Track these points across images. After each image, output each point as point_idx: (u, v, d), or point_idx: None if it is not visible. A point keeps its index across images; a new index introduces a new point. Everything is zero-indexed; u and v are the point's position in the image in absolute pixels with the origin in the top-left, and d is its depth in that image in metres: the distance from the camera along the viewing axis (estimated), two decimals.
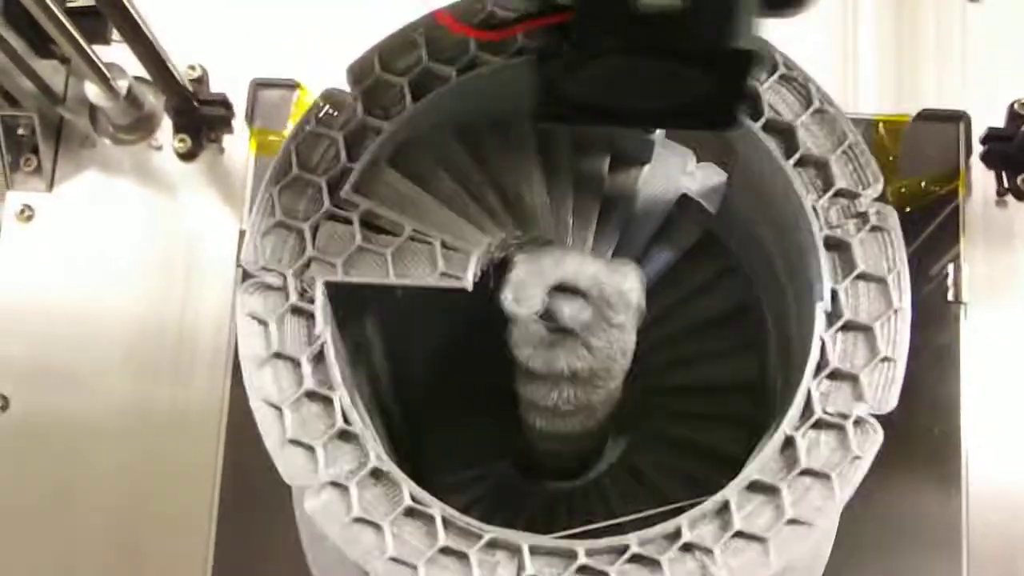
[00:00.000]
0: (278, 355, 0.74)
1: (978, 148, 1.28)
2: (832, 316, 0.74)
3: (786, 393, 0.77)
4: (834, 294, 0.75)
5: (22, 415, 1.27)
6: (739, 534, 0.71)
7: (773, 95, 0.77)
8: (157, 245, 1.30)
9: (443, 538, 0.71)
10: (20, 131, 1.31)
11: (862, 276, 0.75)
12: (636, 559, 0.71)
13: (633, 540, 0.71)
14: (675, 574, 0.71)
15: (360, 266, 0.75)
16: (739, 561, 0.71)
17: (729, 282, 0.94)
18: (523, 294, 0.75)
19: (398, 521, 0.72)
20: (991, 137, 1.27)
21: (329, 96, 0.78)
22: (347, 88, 0.79)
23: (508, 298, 0.75)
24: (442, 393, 1.09)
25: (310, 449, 0.73)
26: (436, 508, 0.72)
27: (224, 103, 1.31)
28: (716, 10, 0.56)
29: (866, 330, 0.74)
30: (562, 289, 0.78)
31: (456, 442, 1.11)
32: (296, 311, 0.75)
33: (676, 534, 0.72)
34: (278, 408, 0.73)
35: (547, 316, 0.79)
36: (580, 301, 0.78)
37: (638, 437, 1.01)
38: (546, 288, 0.76)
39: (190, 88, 1.29)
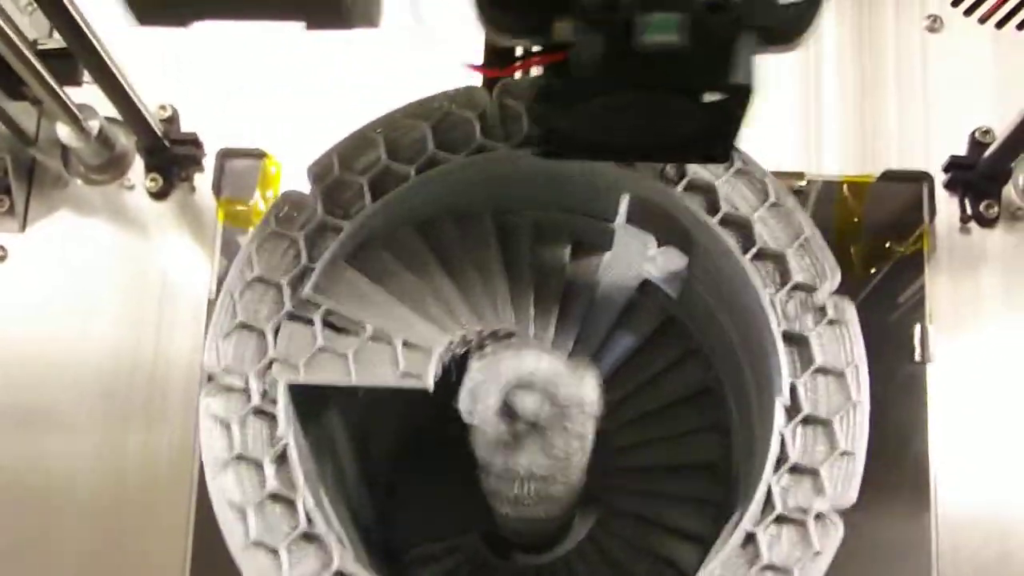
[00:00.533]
0: (240, 457, 0.74)
1: (941, 176, 1.29)
2: (791, 410, 0.75)
3: (748, 481, 0.77)
4: (793, 388, 0.75)
5: None
6: None
7: (730, 189, 0.78)
8: (130, 284, 1.30)
9: None
10: None
11: (821, 370, 0.75)
12: None
13: None
14: None
15: (322, 367, 0.76)
16: None
17: (691, 365, 0.94)
18: (479, 400, 0.76)
19: None
20: (954, 165, 1.29)
21: (289, 197, 0.78)
22: (308, 183, 0.79)
23: (464, 406, 0.75)
24: (410, 467, 1.09)
25: (273, 552, 0.73)
26: None
27: (195, 142, 1.31)
28: (715, 48, 0.57)
29: (825, 424, 0.74)
30: (523, 385, 0.79)
31: (426, 514, 1.11)
32: (258, 413, 0.75)
33: None
34: (242, 510, 0.73)
35: (506, 412, 0.79)
36: (539, 396, 0.79)
37: (605, 514, 1.01)
38: (503, 391, 0.77)
39: (161, 128, 1.29)
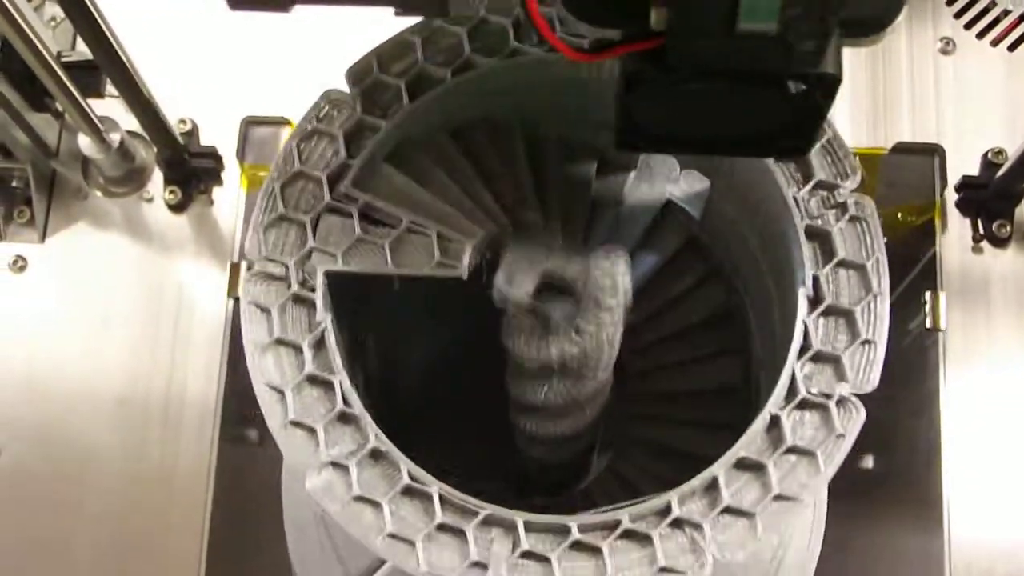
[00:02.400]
0: (280, 341, 0.77)
1: (953, 196, 1.32)
2: (814, 302, 0.77)
3: (770, 388, 0.79)
4: (815, 281, 0.77)
5: (12, 465, 1.28)
6: (727, 510, 0.74)
7: None
8: (148, 296, 1.33)
9: (440, 515, 0.73)
10: (14, 183, 1.36)
11: (842, 263, 0.78)
12: (628, 534, 0.74)
13: (624, 516, 0.74)
14: (665, 549, 0.73)
15: (359, 256, 0.78)
16: (727, 536, 0.73)
17: (712, 287, 0.96)
18: (515, 278, 0.78)
19: (397, 499, 0.74)
20: (966, 185, 1.31)
21: (329, 96, 0.81)
22: (346, 90, 0.82)
23: (500, 281, 0.78)
24: (433, 411, 1.11)
25: (311, 431, 0.75)
26: (434, 486, 0.74)
27: (214, 155, 1.35)
28: (810, 34, 0.57)
29: (847, 314, 0.77)
30: (553, 289, 0.81)
31: (445, 456, 1.12)
32: (297, 299, 0.77)
33: (666, 510, 0.74)
34: (280, 391, 0.75)
35: (538, 311, 0.82)
36: (570, 301, 0.81)
37: (624, 445, 1.03)
38: (537, 275, 0.79)
39: (181, 141, 1.32)
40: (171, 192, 1.34)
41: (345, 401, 0.76)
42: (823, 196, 0.79)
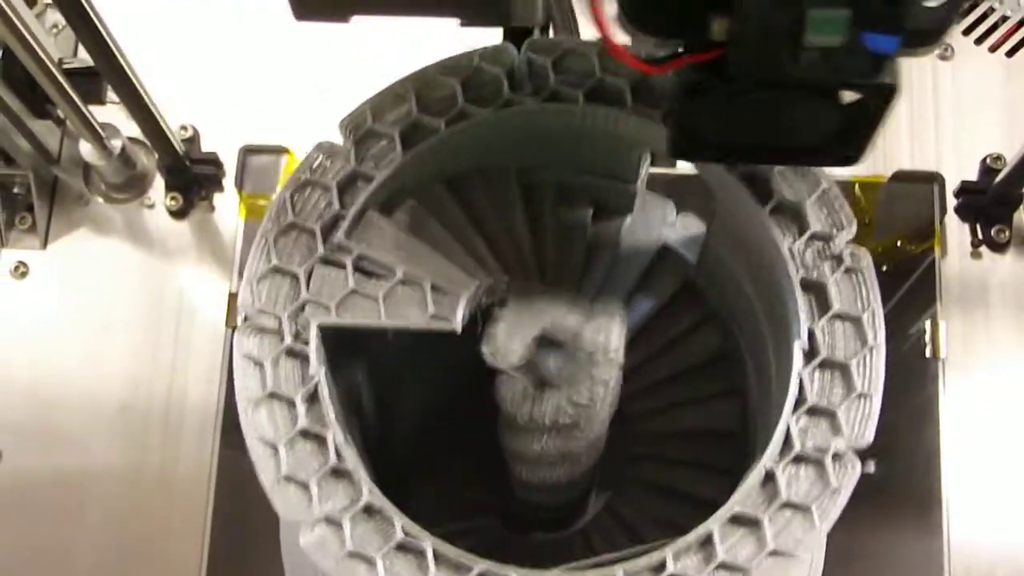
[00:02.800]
0: (273, 395, 0.76)
1: (952, 201, 1.32)
2: (809, 355, 0.77)
3: (766, 434, 0.79)
4: (811, 334, 0.77)
5: (13, 471, 1.28)
6: (722, 566, 0.73)
7: None
8: (149, 302, 1.33)
9: (434, 571, 0.73)
10: (15, 189, 1.35)
11: (837, 316, 0.77)
12: None
13: (619, 572, 0.73)
14: None
15: (353, 309, 0.78)
16: None
17: (709, 330, 0.96)
18: (505, 347, 0.78)
19: (390, 555, 0.74)
20: (965, 190, 1.31)
21: (323, 147, 0.81)
22: (339, 142, 0.82)
23: (487, 352, 0.78)
24: (429, 448, 1.10)
25: (304, 486, 0.75)
26: (427, 542, 0.74)
27: (215, 162, 1.35)
28: (877, 46, 0.58)
29: (842, 367, 0.76)
30: (547, 342, 0.81)
31: (443, 496, 1.12)
32: (291, 353, 0.77)
33: (661, 566, 0.74)
34: (273, 447, 0.75)
35: (531, 369, 0.81)
36: (563, 355, 0.81)
37: (622, 485, 1.03)
38: (528, 341, 0.79)
39: (182, 148, 1.32)
40: (172, 198, 1.34)
41: (338, 455, 0.75)
42: (818, 247, 0.79)
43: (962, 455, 1.24)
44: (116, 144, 1.27)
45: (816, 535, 0.74)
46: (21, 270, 1.34)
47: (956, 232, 1.32)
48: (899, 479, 1.24)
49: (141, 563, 1.25)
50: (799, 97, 0.63)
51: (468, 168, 0.85)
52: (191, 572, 1.24)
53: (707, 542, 0.74)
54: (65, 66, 1.25)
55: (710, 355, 0.97)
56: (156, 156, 1.33)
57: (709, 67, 0.62)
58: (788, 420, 0.76)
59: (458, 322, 0.78)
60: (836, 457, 0.75)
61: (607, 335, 0.78)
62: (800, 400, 0.76)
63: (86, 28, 1.07)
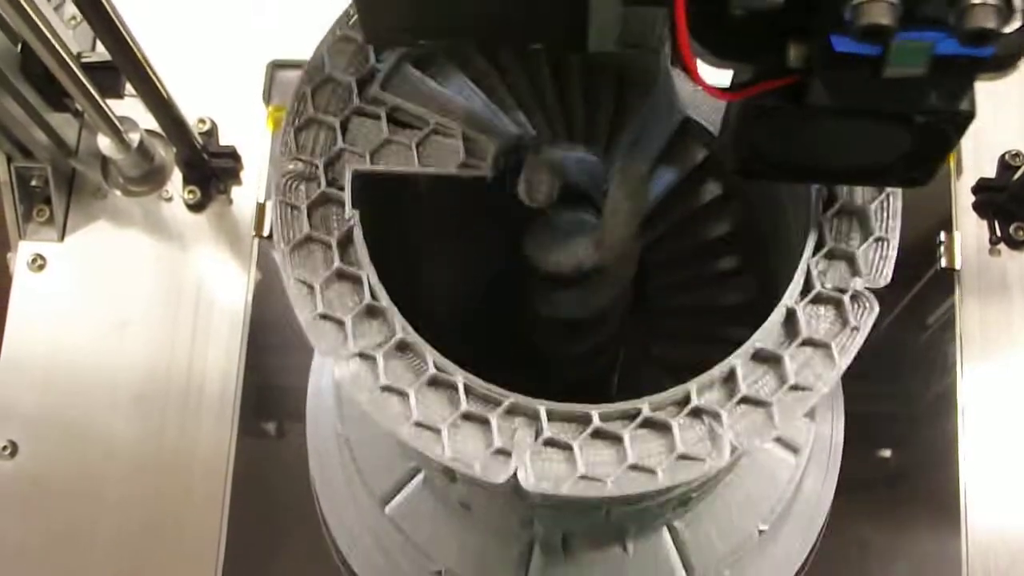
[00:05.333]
0: (310, 238, 0.79)
1: (970, 198, 1.34)
2: (828, 201, 0.79)
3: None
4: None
5: (31, 461, 1.30)
6: (745, 399, 0.75)
7: None
8: (166, 294, 1.34)
9: (465, 404, 0.76)
10: (33, 182, 1.37)
11: None
12: (648, 423, 0.76)
13: (645, 405, 0.76)
14: (684, 437, 0.75)
15: (387, 157, 0.80)
16: (745, 424, 0.75)
17: (731, 204, 0.98)
18: (536, 182, 0.81)
19: (423, 389, 0.76)
20: (983, 187, 1.33)
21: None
22: None
23: (522, 184, 0.80)
24: (458, 331, 1.12)
25: (340, 323, 0.77)
26: (459, 376, 0.76)
27: (233, 155, 1.37)
28: (956, 76, 0.60)
29: (860, 213, 0.78)
30: (573, 195, 0.84)
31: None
32: (327, 198, 0.80)
33: (685, 400, 0.76)
34: (310, 286, 0.78)
35: (557, 216, 0.84)
36: (590, 209, 0.84)
37: (641, 364, 1.05)
38: (558, 179, 0.81)
39: (200, 141, 1.34)
40: (190, 192, 1.36)
41: (372, 295, 0.78)
42: None
43: (980, 448, 1.26)
44: (134, 138, 1.30)
45: (835, 371, 0.76)
46: (39, 262, 1.36)
47: (974, 229, 1.34)
48: (917, 469, 1.26)
49: (158, 552, 1.28)
50: (873, 121, 0.64)
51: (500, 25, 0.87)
52: (209, 556, 1.27)
53: (730, 377, 0.76)
54: (83, 60, 1.27)
55: (731, 229, 0.99)
56: (174, 149, 1.35)
57: (783, 93, 0.63)
58: (808, 262, 0.78)
59: (489, 168, 0.80)
60: (855, 297, 0.77)
61: (634, 181, 0.80)
62: (819, 244, 0.78)
63: (102, 22, 1.09)
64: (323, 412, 1.17)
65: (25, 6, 1.06)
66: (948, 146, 0.66)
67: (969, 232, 1.33)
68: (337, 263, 0.78)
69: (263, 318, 1.33)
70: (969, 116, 0.63)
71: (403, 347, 0.77)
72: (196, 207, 1.37)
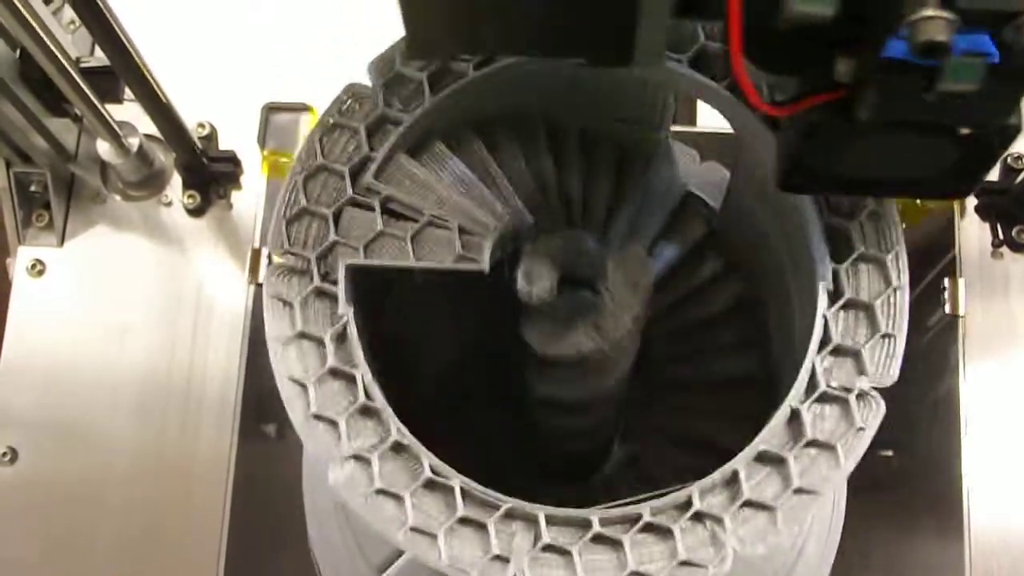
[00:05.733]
0: (302, 335, 0.77)
1: (973, 201, 1.32)
2: (834, 295, 0.77)
3: (790, 379, 0.80)
4: (836, 275, 0.78)
5: (31, 467, 1.29)
6: (748, 503, 0.74)
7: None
8: (166, 299, 1.33)
9: (462, 508, 0.74)
10: (32, 187, 1.35)
11: (862, 257, 0.78)
12: (649, 528, 0.74)
13: (646, 510, 0.74)
14: (686, 542, 0.73)
15: (381, 250, 0.78)
16: (748, 529, 0.73)
17: (732, 278, 0.97)
18: (535, 280, 0.79)
19: (418, 492, 0.74)
20: (986, 190, 1.31)
21: (351, 90, 0.81)
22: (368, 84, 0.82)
23: (520, 281, 0.78)
24: (452, 407, 1.11)
25: (333, 424, 0.75)
26: (455, 480, 0.75)
27: (232, 160, 1.35)
28: (1007, 92, 0.58)
29: (867, 308, 0.77)
30: (574, 280, 0.82)
31: (467, 455, 1.13)
32: (319, 293, 0.78)
33: (687, 504, 0.74)
34: (303, 385, 0.76)
35: (558, 305, 0.82)
36: (589, 295, 0.82)
37: (643, 435, 1.03)
38: (558, 268, 0.80)
39: (199, 145, 1.32)
40: (190, 196, 1.35)
41: (367, 394, 0.76)
42: None
43: (983, 451, 1.25)
44: (133, 142, 1.28)
45: (841, 473, 0.74)
46: (38, 268, 1.34)
47: (977, 231, 1.32)
48: (919, 470, 1.25)
49: (159, 559, 1.26)
50: (919, 134, 0.63)
51: (495, 112, 0.85)
52: (210, 561, 1.25)
53: (733, 480, 0.75)
54: (82, 65, 1.25)
55: (732, 303, 0.97)
56: (173, 154, 1.33)
57: (830, 107, 0.62)
58: (813, 359, 0.76)
59: (485, 262, 0.78)
60: (861, 396, 0.75)
61: (635, 266, 0.79)
62: (825, 340, 0.77)
63: (100, 26, 1.08)
64: (319, 476, 1.15)
65: (23, 11, 1.04)
66: (993, 159, 0.65)
67: (971, 235, 1.32)
68: (331, 361, 0.76)
69: (263, 323, 1.32)
70: (1017, 130, 0.62)
71: (398, 448, 0.76)
72: (196, 212, 1.36)
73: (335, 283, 0.78)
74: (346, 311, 0.77)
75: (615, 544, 0.74)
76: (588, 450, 1.00)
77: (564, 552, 0.73)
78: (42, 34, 1.07)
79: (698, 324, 0.98)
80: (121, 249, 1.35)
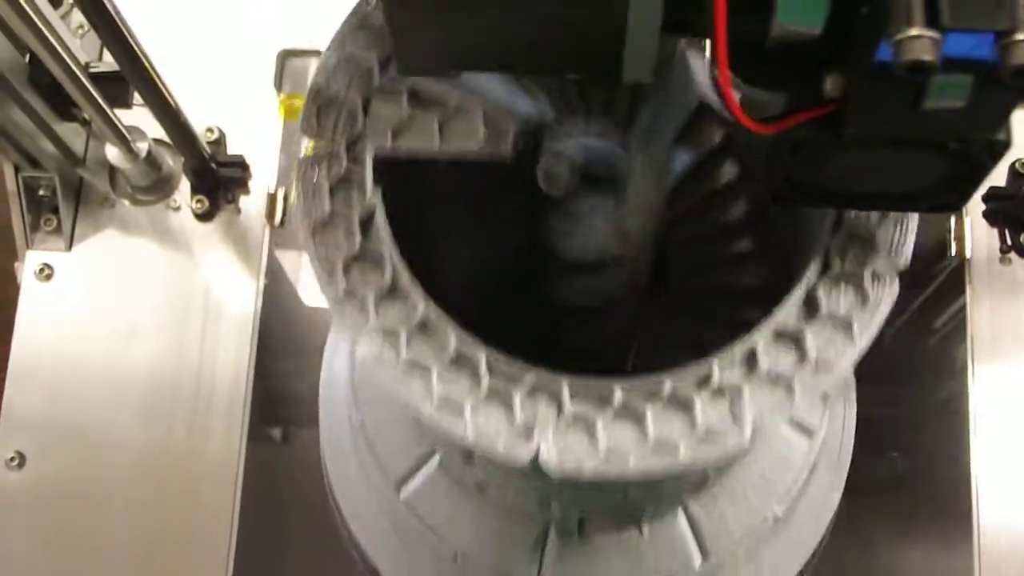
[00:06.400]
0: (332, 217, 0.79)
1: (980, 206, 1.34)
2: None
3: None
4: None
5: (39, 471, 1.30)
6: (766, 376, 0.76)
7: None
8: (174, 304, 1.35)
9: (487, 381, 0.76)
10: (41, 192, 1.37)
11: None
12: (670, 399, 0.76)
13: (667, 381, 0.76)
14: (706, 413, 0.75)
15: (408, 137, 0.81)
16: (767, 401, 0.75)
17: (749, 185, 0.98)
18: (556, 170, 0.81)
19: (446, 366, 0.76)
20: (993, 196, 1.33)
21: None
22: None
23: (541, 174, 0.81)
24: (475, 317, 1.13)
25: (362, 303, 0.77)
26: (481, 353, 0.77)
27: (241, 164, 1.37)
28: (997, 107, 0.59)
29: None
30: (593, 178, 0.84)
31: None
32: (348, 179, 0.80)
33: (707, 376, 0.76)
34: (333, 264, 0.78)
35: (577, 202, 0.84)
36: (610, 192, 0.84)
37: (660, 342, 1.05)
38: (578, 166, 0.82)
39: (208, 150, 1.34)
40: (198, 201, 1.36)
41: (395, 274, 0.78)
42: None
43: (992, 453, 1.26)
44: (142, 147, 1.30)
45: (856, 350, 0.76)
46: (46, 272, 1.35)
47: (984, 237, 1.34)
48: (927, 476, 1.26)
49: (170, 556, 1.28)
50: (907, 149, 0.64)
51: None
52: (219, 564, 1.27)
53: (751, 354, 0.77)
54: (91, 70, 1.27)
55: (749, 210, 0.99)
56: (182, 159, 1.35)
57: (817, 122, 0.63)
58: (827, 242, 0.78)
59: (509, 149, 0.80)
60: (874, 275, 0.77)
61: (655, 166, 0.81)
62: (838, 223, 0.79)
63: (109, 31, 1.10)
64: (336, 401, 1.17)
65: (33, 16, 1.06)
66: (983, 173, 0.66)
67: (979, 240, 1.34)
68: (359, 242, 0.78)
69: (272, 327, 1.34)
70: (1006, 145, 0.63)
71: (425, 325, 0.77)
72: (204, 216, 1.37)
73: (364, 168, 0.80)
74: (374, 195, 0.79)
75: (637, 416, 0.75)
76: (608, 363, 1.02)
77: (588, 422, 0.75)
78: (51, 39, 1.09)
79: (715, 231, 0.99)
80: (129, 253, 1.37)
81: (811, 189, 0.70)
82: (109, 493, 1.29)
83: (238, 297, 1.34)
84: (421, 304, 0.78)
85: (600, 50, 0.63)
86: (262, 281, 1.34)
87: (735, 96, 0.63)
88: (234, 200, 1.38)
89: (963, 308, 1.31)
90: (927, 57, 0.54)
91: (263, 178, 1.38)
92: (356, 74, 0.82)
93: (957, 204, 0.71)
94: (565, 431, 0.75)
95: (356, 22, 0.83)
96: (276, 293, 1.35)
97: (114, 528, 1.28)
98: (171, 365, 1.32)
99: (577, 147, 0.82)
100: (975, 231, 1.34)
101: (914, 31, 0.53)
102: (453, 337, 0.77)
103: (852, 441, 1.15)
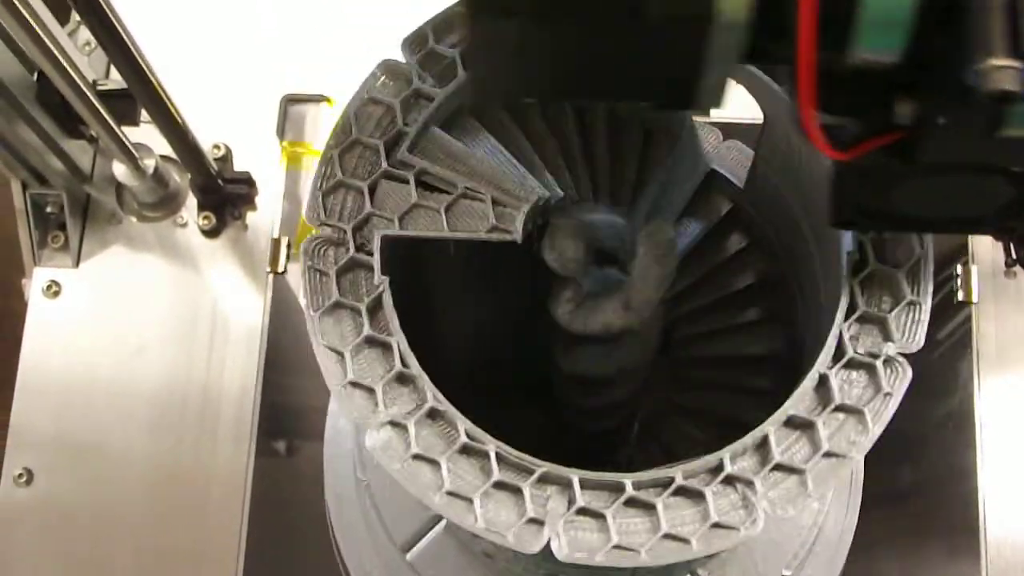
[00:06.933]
0: (339, 304, 0.78)
1: None
2: (859, 264, 0.79)
3: (816, 351, 0.81)
4: (861, 244, 0.79)
5: (47, 488, 1.30)
6: (778, 467, 0.75)
7: None
8: (181, 320, 1.34)
9: (497, 473, 0.75)
10: (48, 208, 1.37)
11: None
12: (681, 491, 0.75)
13: (678, 473, 0.75)
14: (718, 505, 0.75)
15: (416, 221, 0.80)
16: (779, 492, 0.75)
17: (755, 255, 0.98)
18: (562, 248, 0.80)
19: (454, 458, 0.75)
20: None
21: (385, 66, 0.83)
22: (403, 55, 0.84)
23: (548, 255, 0.80)
24: (479, 381, 1.12)
25: (370, 391, 0.77)
26: (491, 445, 0.76)
27: (248, 181, 1.36)
28: None
29: (892, 276, 0.78)
30: (600, 254, 0.83)
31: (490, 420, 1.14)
32: (356, 264, 0.79)
33: (719, 467, 0.76)
34: (339, 353, 0.77)
35: (585, 278, 0.84)
36: (616, 270, 0.83)
37: (666, 410, 1.04)
38: (584, 244, 0.81)
39: (215, 167, 1.34)
40: (205, 218, 1.35)
41: (403, 362, 0.77)
42: None
43: (999, 467, 1.25)
44: (149, 164, 1.29)
45: (868, 438, 0.76)
46: (54, 289, 1.35)
47: (989, 251, 1.33)
48: (934, 490, 1.25)
49: (179, 571, 1.28)
50: (976, 175, 0.64)
51: None
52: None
53: (763, 444, 0.76)
54: (99, 88, 1.27)
55: (756, 280, 0.99)
56: (189, 175, 1.34)
57: (886, 149, 0.62)
58: (840, 327, 0.77)
59: (519, 232, 0.79)
60: (888, 361, 0.77)
61: (661, 241, 0.80)
62: (851, 308, 0.78)
63: (117, 48, 1.09)
64: (341, 457, 1.17)
65: (40, 34, 1.05)
66: None
67: (984, 254, 1.33)
68: (367, 330, 0.78)
69: (279, 342, 1.33)
70: None
71: (434, 415, 0.77)
72: (211, 233, 1.37)
73: (371, 254, 0.79)
74: (382, 281, 0.78)
75: (648, 507, 0.75)
76: (612, 428, 1.01)
77: (598, 515, 0.74)
78: (59, 56, 1.08)
79: (722, 301, 0.99)
80: (136, 270, 1.37)
81: (875, 214, 0.70)
82: (117, 508, 1.28)
83: (245, 312, 1.34)
84: (429, 393, 0.77)
85: (676, 77, 0.62)
86: (269, 296, 1.33)
87: (815, 122, 0.62)
88: (241, 216, 1.38)
89: (968, 321, 1.30)
90: (1013, 87, 0.53)
91: (269, 194, 1.36)
92: (362, 157, 0.81)
93: (1021, 227, 0.71)
94: (575, 522, 0.75)
95: (362, 102, 0.82)
96: (283, 307, 1.34)
97: (123, 543, 1.28)
98: (178, 380, 1.32)
99: (585, 223, 0.81)
100: (980, 244, 1.33)
101: (1000, 61, 0.53)
102: (462, 428, 0.76)
103: (862, 482, 1.14)
